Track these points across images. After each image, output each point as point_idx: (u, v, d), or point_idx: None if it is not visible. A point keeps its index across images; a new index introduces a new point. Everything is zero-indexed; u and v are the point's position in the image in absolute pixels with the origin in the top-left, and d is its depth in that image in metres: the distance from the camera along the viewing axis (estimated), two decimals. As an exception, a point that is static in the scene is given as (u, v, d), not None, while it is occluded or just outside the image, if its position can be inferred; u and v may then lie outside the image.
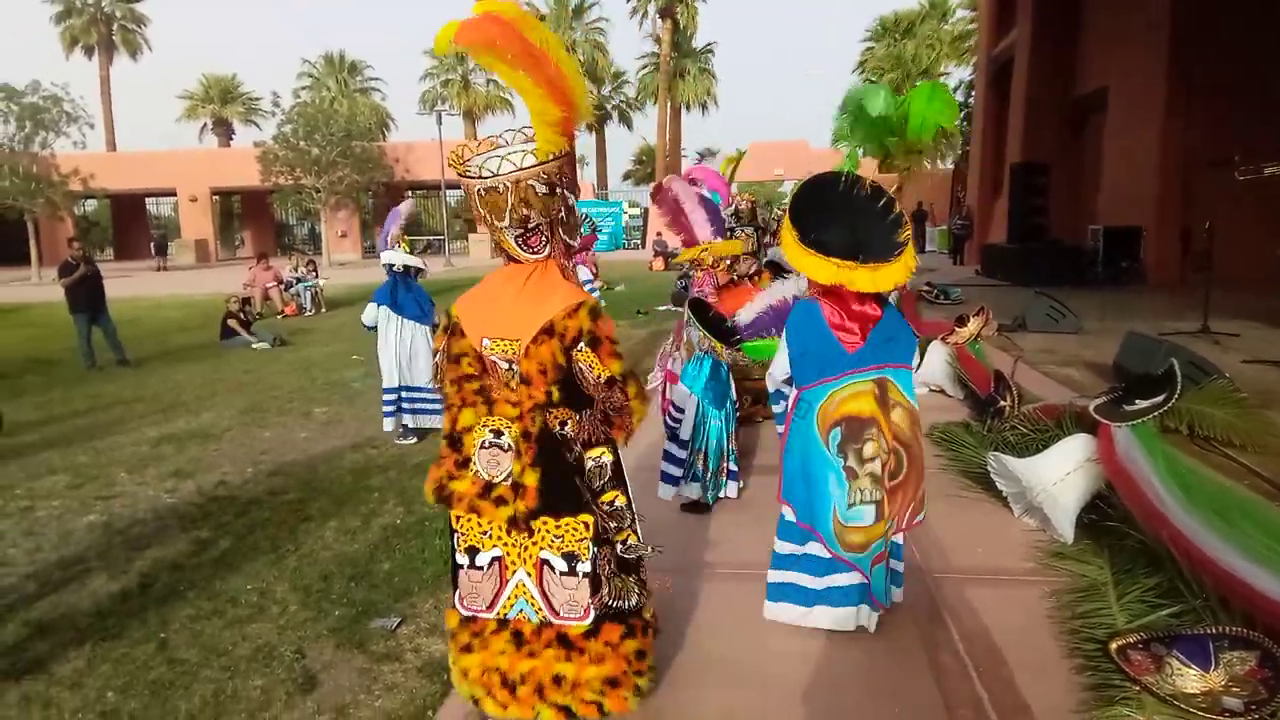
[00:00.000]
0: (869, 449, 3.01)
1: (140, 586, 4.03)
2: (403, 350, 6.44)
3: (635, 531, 2.68)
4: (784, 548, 3.23)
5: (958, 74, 41.14)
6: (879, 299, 3.12)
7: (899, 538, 3.27)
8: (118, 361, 10.65)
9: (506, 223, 2.49)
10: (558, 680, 2.60)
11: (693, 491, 4.63)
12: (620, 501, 2.66)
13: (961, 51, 39.69)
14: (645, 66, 48.05)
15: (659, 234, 29.22)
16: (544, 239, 2.56)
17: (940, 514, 4.37)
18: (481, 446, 2.56)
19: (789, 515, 3.18)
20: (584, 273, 7.87)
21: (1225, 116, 12.75)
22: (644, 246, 34.37)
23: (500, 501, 2.54)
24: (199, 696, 3.07)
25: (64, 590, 4.02)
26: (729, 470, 4.66)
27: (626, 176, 59.02)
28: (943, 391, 7.01)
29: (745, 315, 4.26)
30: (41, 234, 29.46)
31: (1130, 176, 15.19)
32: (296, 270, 17.54)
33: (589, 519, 2.57)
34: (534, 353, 2.51)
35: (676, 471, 4.65)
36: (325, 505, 5.08)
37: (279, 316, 16.02)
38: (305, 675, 3.17)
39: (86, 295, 10.66)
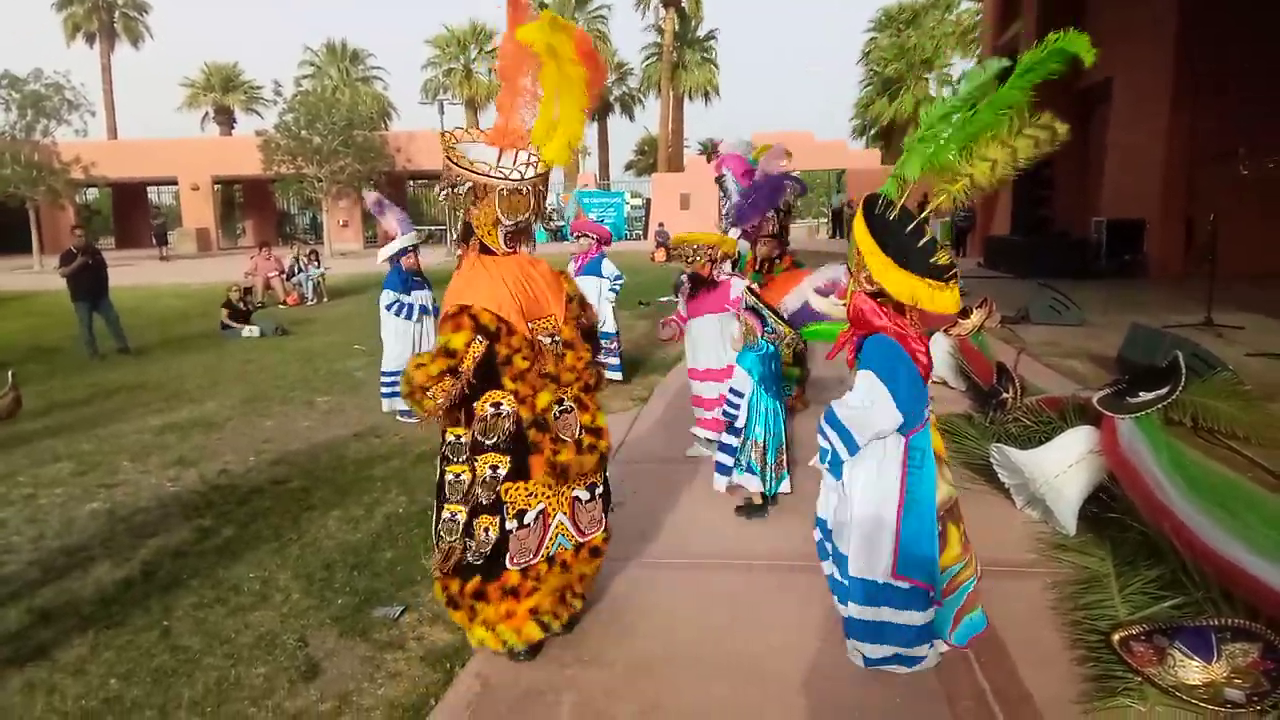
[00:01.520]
0: (943, 488, 2.82)
1: (143, 574, 4.04)
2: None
3: None
4: (914, 618, 2.83)
5: (962, 65, 41.02)
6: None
7: None
8: (119, 350, 10.66)
9: (519, 221, 2.86)
10: (582, 578, 3.17)
11: (751, 484, 4.37)
12: None
13: (967, 43, 39.53)
14: (648, 57, 47.89)
15: (660, 224, 29.15)
16: (524, 235, 2.96)
17: (943, 505, 4.37)
18: (555, 418, 2.94)
19: (907, 586, 2.79)
20: (610, 267, 7.93)
21: (1231, 109, 12.69)
22: (646, 237, 34.29)
23: (591, 449, 3.01)
24: (202, 684, 3.08)
25: (67, 578, 4.03)
26: (785, 463, 4.45)
27: (629, 167, 58.92)
28: (945, 383, 7.00)
29: (792, 302, 4.08)
30: (43, 222, 29.39)
31: (1134, 169, 15.13)
32: (298, 259, 17.51)
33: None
34: (569, 320, 3.00)
35: (729, 461, 4.49)
36: (328, 494, 5.08)
37: (281, 306, 16.02)
38: (308, 663, 3.18)
39: (88, 284, 10.65)
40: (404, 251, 6.90)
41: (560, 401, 2.93)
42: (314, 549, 4.26)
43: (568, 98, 2.67)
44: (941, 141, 2.71)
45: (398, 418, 6.77)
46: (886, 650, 2.85)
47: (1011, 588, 3.48)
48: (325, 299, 16.85)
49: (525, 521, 2.93)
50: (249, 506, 4.93)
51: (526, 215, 2.86)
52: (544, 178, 2.88)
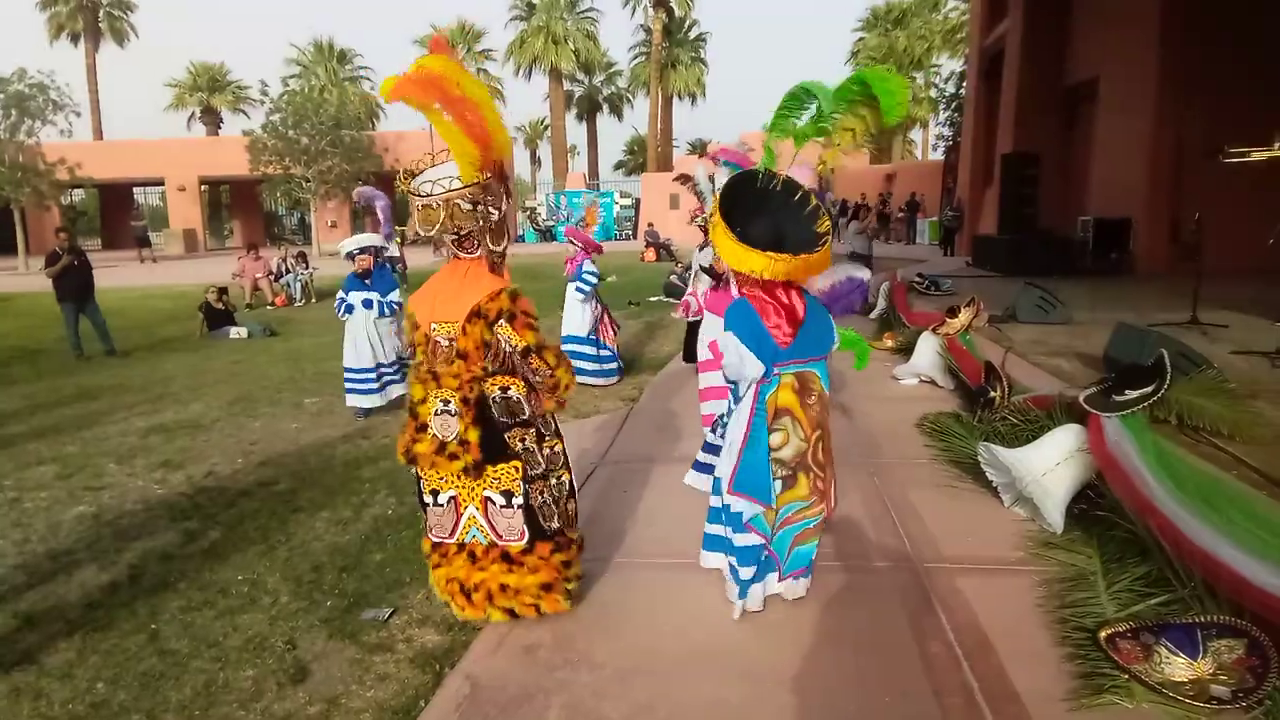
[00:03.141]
0: (776, 439, 3.13)
1: (130, 578, 4.01)
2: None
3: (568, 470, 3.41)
4: (720, 532, 3.42)
5: (950, 65, 41.19)
6: (802, 293, 3.24)
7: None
8: (106, 352, 10.59)
9: (434, 232, 3.13)
10: (504, 588, 3.29)
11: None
12: (558, 447, 3.36)
13: (954, 42, 39.68)
14: (637, 57, 47.91)
15: (650, 224, 29.13)
16: (476, 243, 3.20)
17: (931, 504, 4.40)
18: (435, 414, 3.17)
19: (742, 508, 3.21)
20: (588, 266, 7.93)
21: (1216, 107, 12.74)
22: (635, 237, 34.28)
23: (453, 456, 3.16)
24: (189, 687, 3.06)
25: (53, 582, 4.01)
26: None
27: (618, 166, 58.99)
28: (933, 382, 7.03)
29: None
30: (28, 224, 29.16)
31: (1120, 167, 15.19)
32: (286, 260, 17.44)
33: (519, 464, 3.23)
34: (469, 331, 3.12)
35: (710, 461, 4.43)
36: (316, 496, 5.06)
37: (268, 307, 15.95)
38: (297, 666, 3.17)
39: (74, 285, 10.59)
40: (355, 254, 7.06)
41: (446, 403, 3.15)
42: (302, 551, 4.24)
43: (439, 126, 3.00)
44: (806, 121, 3.32)
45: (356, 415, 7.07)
46: (719, 560, 3.46)
47: (999, 585, 3.49)
48: (313, 300, 16.79)
49: (438, 501, 3.30)
50: (236, 509, 4.91)
51: (438, 227, 3.11)
52: (461, 193, 3.08)
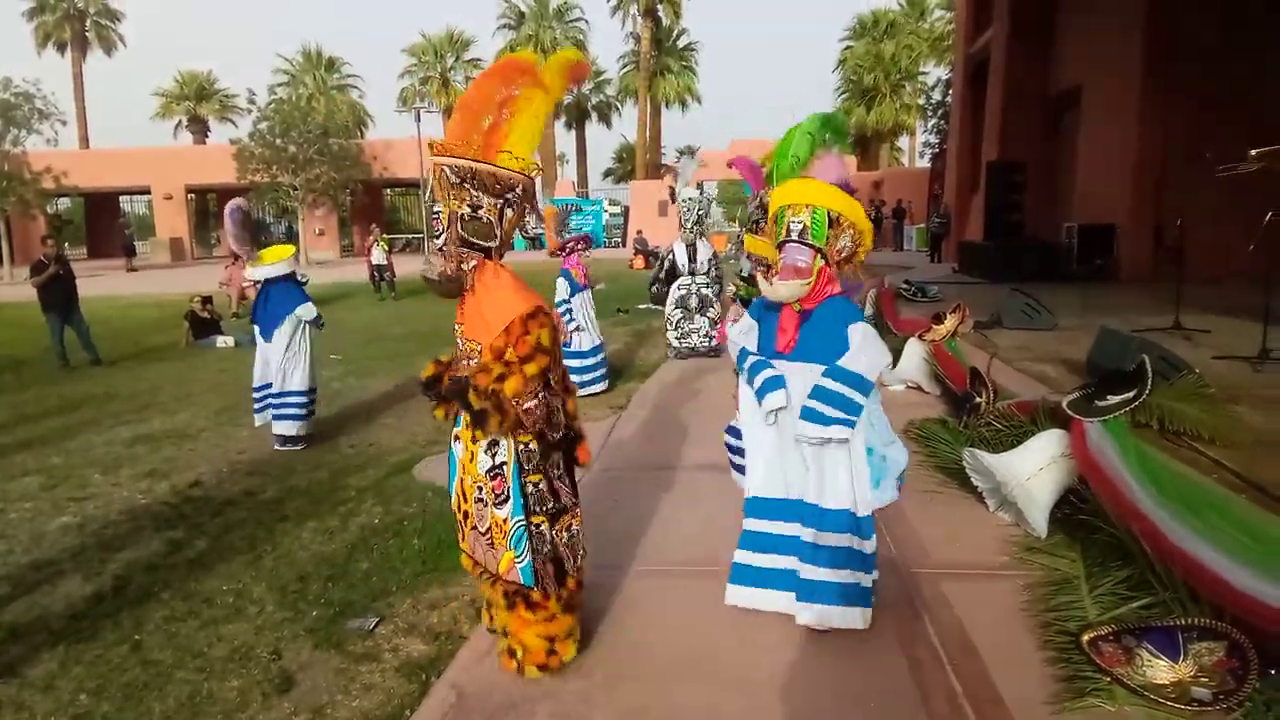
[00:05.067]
0: None
1: (114, 588, 3.99)
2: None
3: None
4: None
5: (937, 73, 41.50)
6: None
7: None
8: (91, 361, 10.53)
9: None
10: None
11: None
12: None
13: (941, 50, 39.99)
14: (626, 65, 48.07)
15: (639, 232, 29.19)
16: None
17: (916, 509, 4.41)
18: None
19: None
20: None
21: (1199, 114, 12.89)
22: (624, 245, 34.31)
23: None
24: (174, 698, 3.05)
25: (37, 592, 3.98)
26: None
27: (607, 174, 59.06)
28: (919, 388, 7.06)
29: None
30: (13, 233, 29.02)
31: (1104, 174, 15.32)
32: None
33: None
34: None
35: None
36: (302, 505, 5.04)
37: (256, 315, 15.87)
38: (282, 676, 3.16)
39: (59, 295, 10.53)
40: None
41: None
42: (288, 560, 4.23)
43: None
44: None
45: (277, 446, 6.37)
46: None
47: (984, 590, 3.51)
48: (301, 308, 16.69)
49: None
50: (222, 518, 4.89)
51: None
52: None
